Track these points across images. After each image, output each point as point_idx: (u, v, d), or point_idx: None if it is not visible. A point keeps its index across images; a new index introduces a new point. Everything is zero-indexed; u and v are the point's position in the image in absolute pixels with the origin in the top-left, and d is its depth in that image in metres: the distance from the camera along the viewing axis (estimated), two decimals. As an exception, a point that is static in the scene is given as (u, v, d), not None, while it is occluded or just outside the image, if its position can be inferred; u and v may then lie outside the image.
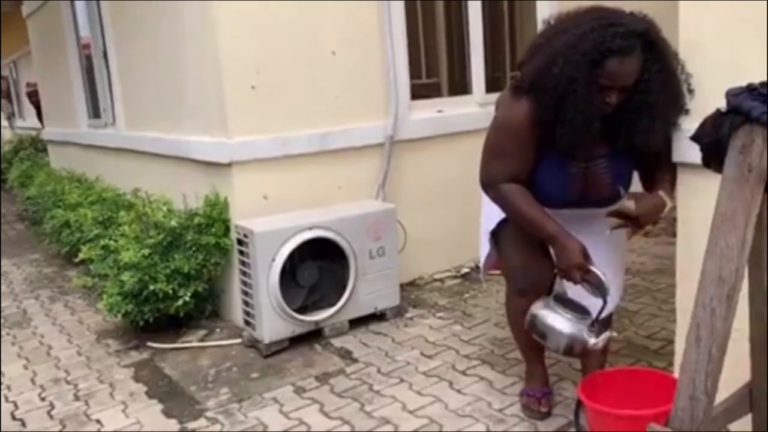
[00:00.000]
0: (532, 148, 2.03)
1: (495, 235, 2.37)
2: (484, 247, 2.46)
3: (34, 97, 9.03)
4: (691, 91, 1.87)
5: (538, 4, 4.47)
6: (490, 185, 2.13)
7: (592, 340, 2.00)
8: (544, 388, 2.47)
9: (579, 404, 2.08)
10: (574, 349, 2.05)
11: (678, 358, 2.00)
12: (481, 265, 2.55)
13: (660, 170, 2.06)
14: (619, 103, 1.93)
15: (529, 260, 2.26)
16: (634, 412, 1.86)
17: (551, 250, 2.14)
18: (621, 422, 1.86)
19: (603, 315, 2.05)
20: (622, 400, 1.94)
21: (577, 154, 2.02)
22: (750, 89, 1.36)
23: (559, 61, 1.86)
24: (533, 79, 1.95)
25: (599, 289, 1.99)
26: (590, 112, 1.88)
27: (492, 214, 2.32)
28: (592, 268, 1.99)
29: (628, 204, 2.05)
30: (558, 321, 2.03)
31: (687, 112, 1.89)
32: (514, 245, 2.30)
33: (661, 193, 2.03)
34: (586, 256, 2.00)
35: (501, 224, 2.31)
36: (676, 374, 1.79)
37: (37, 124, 9.29)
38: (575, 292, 2.15)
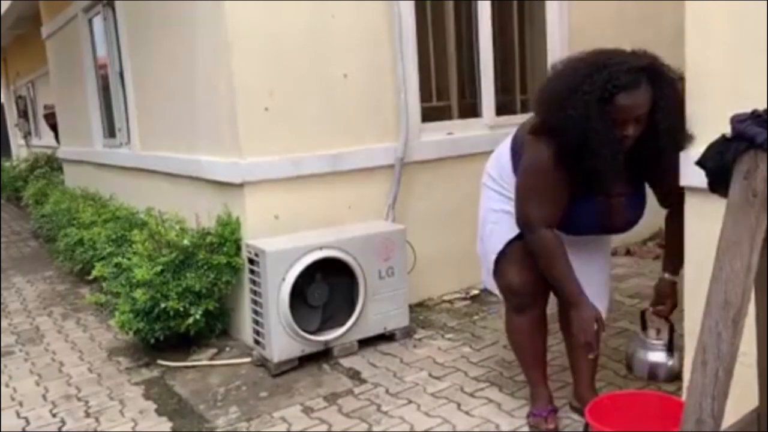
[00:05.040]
0: (563, 186, 2.12)
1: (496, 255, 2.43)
2: (488, 270, 2.52)
3: (51, 120, 9.16)
4: None
5: (549, 28, 4.53)
6: (528, 228, 2.21)
7: (671, 362, 2.32)
8: (548, 405, 2.49)
9: (587, 426, 2.08)
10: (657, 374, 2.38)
11: (687, 383, 2.00)
12: (487, 284, 2.61)
13: (671, 187, 2.14)
14: (640, 140, 2.01)
15: (528, 278, 2.35)
16: None
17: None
18: None
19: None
20: (629, 424, 1.94)
21: (610, 186, 2.10)
22: (755, 115, 1.38)
23: (571, 102, 1.94)
24: (549, 122, 2.04)
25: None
26: (612, 145, 1.97)
27: (499, 234, 2.39)
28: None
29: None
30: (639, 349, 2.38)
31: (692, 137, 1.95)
32: (514, 265, 2.37)
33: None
34: (599, 321, 2.14)
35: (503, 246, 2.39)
36: (684, 399, 1.78)
37: (53, 143, 9.41)
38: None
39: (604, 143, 1.94)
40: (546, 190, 2.12)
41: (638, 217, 2.28)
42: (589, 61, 1.99)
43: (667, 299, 2.29)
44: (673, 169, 2.01)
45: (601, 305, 2.34)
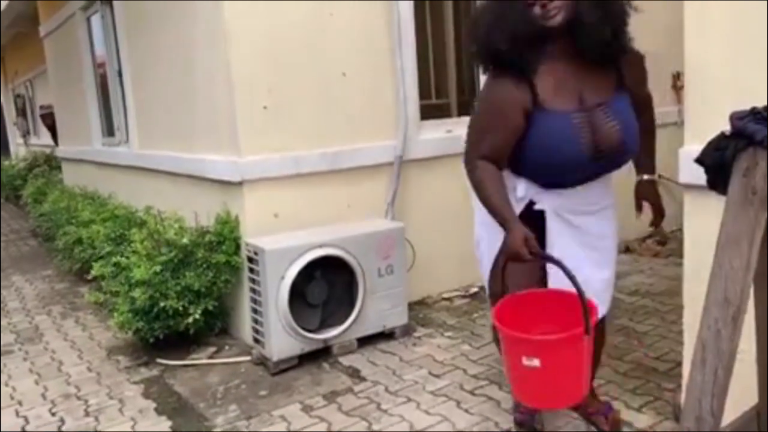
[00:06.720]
0: (516, 119, 2.01)
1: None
2: (486, 267, 2.46)
3: (48, 120, 9.12)
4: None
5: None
6: (468, 160, 2.12)
7: None
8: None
9: (494, 330, 2.02)
10: None
11: (686, 380, 2.00)
12: (485, 283, 2.57)
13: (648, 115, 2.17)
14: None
15: (523, 285, 2.19)
16: (546, 336, 1.83)
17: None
18: (532, 345, 1.81)
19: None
20: (534, 320, 1.93)
21: (548, 50, 2.00)
22: (754, 112, 1.38)
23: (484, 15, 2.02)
24: (477, 39, 2.05)
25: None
26: (526, 15, 1.92)
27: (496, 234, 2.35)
28: (543, 253, 2.02)
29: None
30: None
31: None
32: (511, 267, 2.30)
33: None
34: (528, 243, 1.96)
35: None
36: (683, 397, 1.78)
37: (51, 142, 9.40)
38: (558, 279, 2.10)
39: (520, 15, 1.91)
40: (495, 125, 2.04)
41: (631, 136, 2.08)
42: None
43: (651, 204, 2.27)
44: (605, 38, 1.92)
45: (602, 306, 2.26)
